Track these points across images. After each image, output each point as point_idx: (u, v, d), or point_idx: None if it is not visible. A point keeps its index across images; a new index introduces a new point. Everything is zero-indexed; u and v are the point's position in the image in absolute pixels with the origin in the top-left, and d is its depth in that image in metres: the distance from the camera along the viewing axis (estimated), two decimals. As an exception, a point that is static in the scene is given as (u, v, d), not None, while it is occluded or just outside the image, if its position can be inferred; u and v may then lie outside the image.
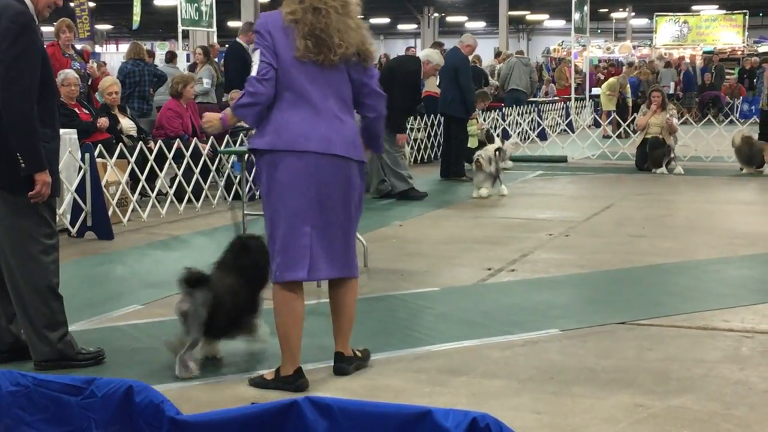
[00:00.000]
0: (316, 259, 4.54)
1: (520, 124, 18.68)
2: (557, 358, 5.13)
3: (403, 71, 11.78)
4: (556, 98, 24.65)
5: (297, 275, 4.53)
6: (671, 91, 26.02)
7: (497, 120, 17.70)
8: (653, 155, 14.34)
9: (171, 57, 16.99)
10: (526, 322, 5.80)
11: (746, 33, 35.74)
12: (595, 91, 24.75)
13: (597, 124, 20.50)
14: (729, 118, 19.69)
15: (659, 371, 4.84)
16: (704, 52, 33.29)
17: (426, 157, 15.86)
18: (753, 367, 4.92)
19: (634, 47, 36.61)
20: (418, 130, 15.54)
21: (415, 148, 15.49)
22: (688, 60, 30.74)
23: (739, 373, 4.81)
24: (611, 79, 22.87)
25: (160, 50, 26.87)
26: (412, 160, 14.95)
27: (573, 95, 23.95)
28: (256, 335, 5.14)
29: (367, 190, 11.90)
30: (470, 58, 13.96)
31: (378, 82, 4.65)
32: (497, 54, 25.52)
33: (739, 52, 33.38)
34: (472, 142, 14.02)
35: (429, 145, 15.91)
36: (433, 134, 15.93)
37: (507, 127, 17.88)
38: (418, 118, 15.22)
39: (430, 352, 5.25)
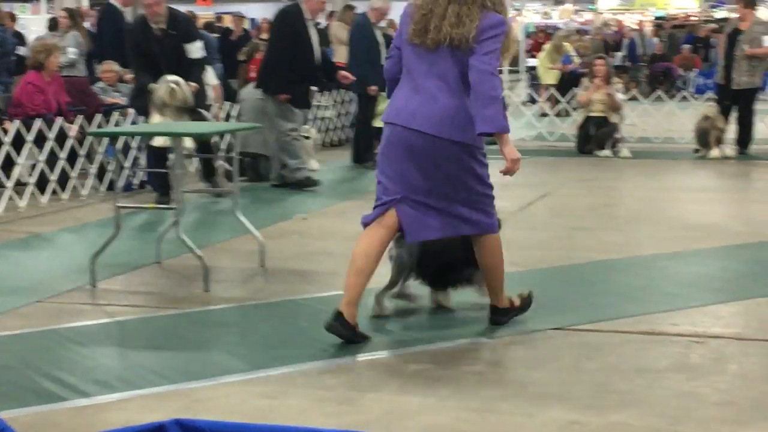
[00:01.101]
0: (410, 222, 5.61)
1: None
2: (483, 369, 5.18)
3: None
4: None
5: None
6: (618, 63, 26.29)
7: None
8: (596, 136, 14.49)
9: (54, 24, 16.59)
10: (449, 329, 5.85)
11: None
12: (532, 62, 24.88)
13: (533, 101, 20.67)
14: (682, 93, 19.85)
15: (598, 383, 4.92)
16: (655, 18, 33.88)
17: (337, 140, 15.88)
18: (703, 376, 5.03)
19: (575, 12, 37.09)
20: (326, 107, 15.51)
21: (324, 129, 15.48)
22: (636, 27, 31.20)
23: (688, 384, 4.91)
24: (547, 46, 22.86)
25: (20, 13, 26.29)
26: (321, 143, 14.92)
27: (507, 68, 24.08)
28: (479, 289, 6.04)
29: (266, 178, 11.90)
30: (383, 23, 13.84)
31: (485, 59, 5.34)
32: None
33: (694, 19, 34.02)
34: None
35: (340, 126, 15.93)
36: (344, 113, 15.94)
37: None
38: (326, 93, 15.19)
39: (337, 365, 5.26)
